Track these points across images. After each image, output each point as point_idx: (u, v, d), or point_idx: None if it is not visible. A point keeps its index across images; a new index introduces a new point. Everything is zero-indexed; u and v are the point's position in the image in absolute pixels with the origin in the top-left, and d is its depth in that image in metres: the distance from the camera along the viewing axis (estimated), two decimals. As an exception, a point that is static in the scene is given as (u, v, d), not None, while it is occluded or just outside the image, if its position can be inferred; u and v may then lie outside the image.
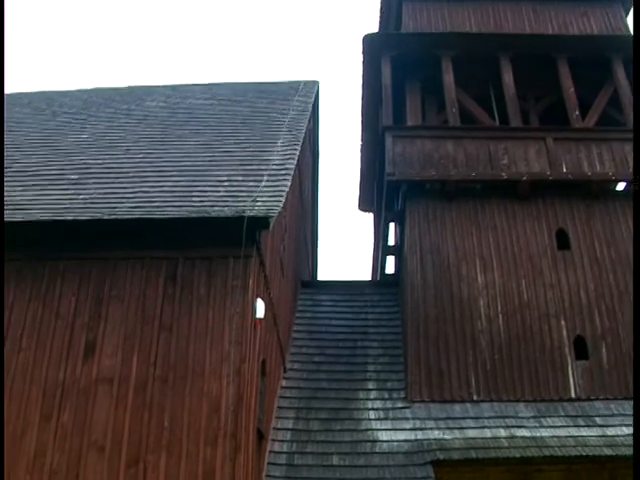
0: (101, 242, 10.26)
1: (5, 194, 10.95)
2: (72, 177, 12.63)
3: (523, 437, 12.47)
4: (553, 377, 13.90)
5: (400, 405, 13.60)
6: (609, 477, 12.01)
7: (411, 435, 12.67)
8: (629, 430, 12.53)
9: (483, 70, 18.65)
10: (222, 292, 9.91)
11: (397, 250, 19.01)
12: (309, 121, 17.52)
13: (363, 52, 19.02)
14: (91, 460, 8.82)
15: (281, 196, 11.02)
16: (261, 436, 11.28)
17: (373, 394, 13.95)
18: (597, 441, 12.30)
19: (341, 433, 12.71)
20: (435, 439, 12.49)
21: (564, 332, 14.41)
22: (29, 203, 11.01)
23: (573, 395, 13.67)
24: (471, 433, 12.68)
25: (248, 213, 9.92)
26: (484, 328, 14.50)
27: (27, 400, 9.18)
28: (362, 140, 21.37)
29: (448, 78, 18.05)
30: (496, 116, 18.39)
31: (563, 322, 14.53)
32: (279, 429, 12.76)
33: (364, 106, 20.52)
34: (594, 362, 14.06)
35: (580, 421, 13.01)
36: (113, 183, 12.24)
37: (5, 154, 13.26)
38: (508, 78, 18.08)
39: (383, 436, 12.63)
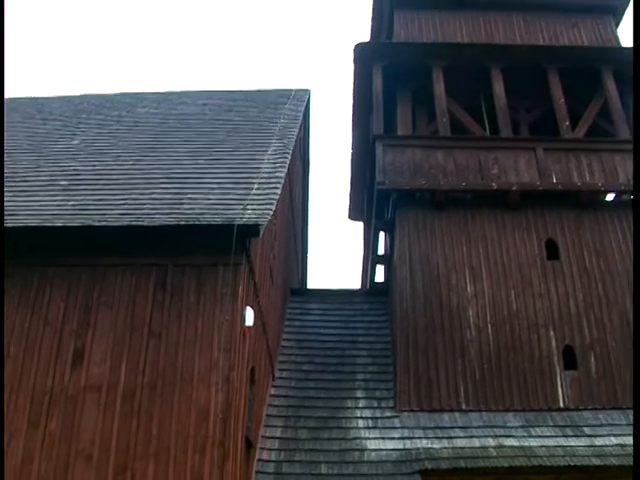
0: (90, 249, 10.24)
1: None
2: (62, 183, 12.60)
3: (511, 447, 12.46)
4: (542, 387, 13.90)
5: (389, 414, 13.58)
6: (597, 487, 12.03)
7: (399, 444, 12.65)
8: (617, 440, 12.57)
9: (474, 80, 18.69)
10: (211, 300, 9.91)
11: (387, 259, 19.02)
12: (300, 129, 17.53)
13: (354, 61, 19.06)
14: (79, 468, 8.79)
15: (271, 204, 11.03)
16: (249, 444, 11.27)
17: (362, 403, 13.93)
18: (585, 451, 12.30)
19: (329, 442, 12.68)
20: (423, 448, 12.47)
21: (553, 342, 14.41)
22: (18, 209, 10.99)
23: (562, 405, 13.67)
24: (459, 442, 12.67)
25: (238, 221, 9.92)
26: (473, 338, 14.50)
27: (14, 407, 9.15)
28: (352, 149, 21.39)
29: (439, 88, 18.09)
30: (486, 126, 18.42)
31: (552, 332, 14.54)
32: (267, 437, 12.72)
33: (355, 115, 20.53)
34: (583, 372, 14.07)
35: (568, 431, 13.01)
36: (103, 190, 12.21)
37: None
38: (499, 88, 18.13)
39: (371, 445, 12.60)
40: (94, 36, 71.70)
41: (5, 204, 11.01)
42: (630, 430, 12.80)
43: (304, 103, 19.09)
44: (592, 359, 14.21)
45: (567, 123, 17.57)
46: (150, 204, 11.34)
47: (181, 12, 71.39)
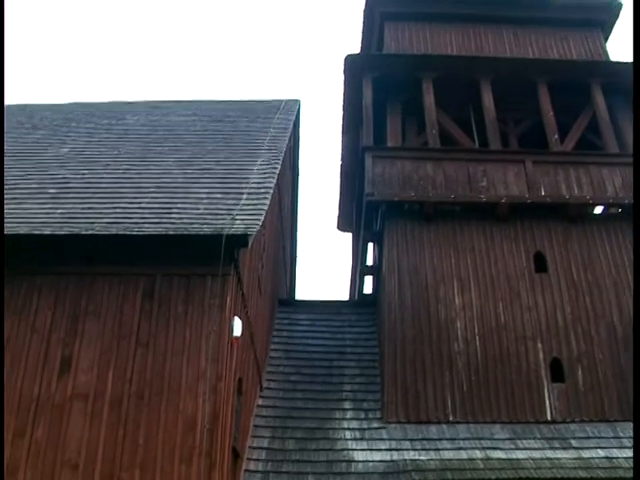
0: (79, 257, 10.22)
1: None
2: (51, 191, 12.58)
3: (499, 459, 12.45)
4: (529, 399, 13.90)
5: (376, 425, 13.56)
6: (584, 500, 12.02)
7: (387, 455, 12.62)
8: (604, 453, 12.59)
9: (463, 92, 18.75)
10: (199, 309, 9.90)
11: (375, 270, 19.02)
12: (289, 140, 17.55)
13: (344, 72, 19.09)
14: (65, 477, 8.77)
15: (260, 215, 11.03)
16: (236, 455, 11.23)
17: (349, 414, 13.90)
18: (572, 463, 12.29)
19: (317, 453, 12.65)
20: (411, 460, 12.44)
21: (540, 354, 14.43)
22: (7, 216, 10.94)
23: (549, 417, 13.68)
24: (447, 454, 12.65)
25: (227, 231, 9.92)
26: (461, 349, 14.50)
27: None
28: (342, 160, 21.43)
29: (429, 100, 18.15)
30: (476, 138, 18.50)
31: (540, 344, 14.56)
32: (255, 448, 12.69)
33: (344, 126, 20.56)
34: (570, 385, 14.09)
35: (556, 443, 13.01)
36: (92, 198, 12.20)
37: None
38: (488, 101, 18.20)
39: (359, 456, 12.57)
40: (85, 45, 71.77)
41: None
42: (617, 443, 12.89)
43: (294, 114, 19.11)
44: (579, 372, 14.23)
45: (556, 136, 17.64)
46: (139, 213, 11.33)
47: (173, 22, 71.54)
